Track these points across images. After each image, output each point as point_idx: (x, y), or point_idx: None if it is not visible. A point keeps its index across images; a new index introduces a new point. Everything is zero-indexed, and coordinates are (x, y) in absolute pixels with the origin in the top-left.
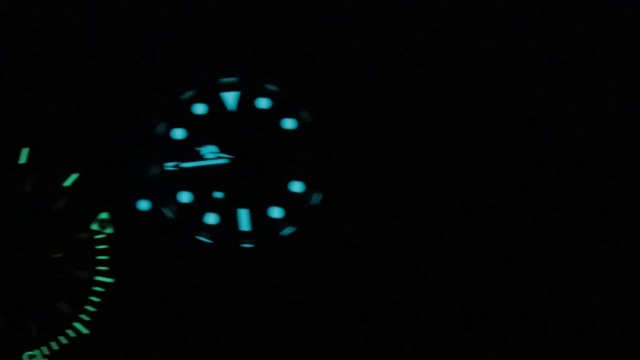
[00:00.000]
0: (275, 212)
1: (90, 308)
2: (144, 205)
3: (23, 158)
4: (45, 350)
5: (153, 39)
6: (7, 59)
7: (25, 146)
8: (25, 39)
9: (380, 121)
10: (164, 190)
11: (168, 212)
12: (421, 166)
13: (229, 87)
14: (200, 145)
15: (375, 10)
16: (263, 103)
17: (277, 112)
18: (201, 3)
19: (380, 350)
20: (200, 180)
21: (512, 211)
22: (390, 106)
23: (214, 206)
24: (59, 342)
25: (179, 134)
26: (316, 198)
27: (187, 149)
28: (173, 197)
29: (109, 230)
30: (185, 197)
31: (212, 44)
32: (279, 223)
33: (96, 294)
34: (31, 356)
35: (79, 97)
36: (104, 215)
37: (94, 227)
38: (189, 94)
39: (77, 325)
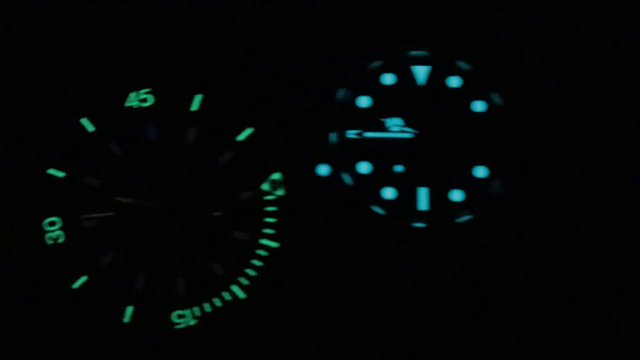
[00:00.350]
0: (456, 196)
1: (250, 272)
2: (323, 170)
3: (195, 105)
4: (196, 311)
5: (345, 4)
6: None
7: (199, 92)
8: None
9: (575, 113)
10: (344, 158)
11: (347, 179)
12: (616, 162)
13: (420, 61)
14: (385, 117)
15: None
16: (454, 82)
17: (467, 92)
18: None
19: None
20: (382, 152)
21: None
22: (587, 98)
23: (393, 180)
24: (212, 305)
25: (364, 102)
26: (498, 186)
27: (372, 119)
28: (352, 166)
29: (280, 192)
30: (364, 167)
31: (405, 14)
32: (457, 207)
33: (259, 257)
34: (180, 315)
35: (262, 52)
36: (276, 176)
37: (265, 187)
38: (377, 63)
39: (235, 288)
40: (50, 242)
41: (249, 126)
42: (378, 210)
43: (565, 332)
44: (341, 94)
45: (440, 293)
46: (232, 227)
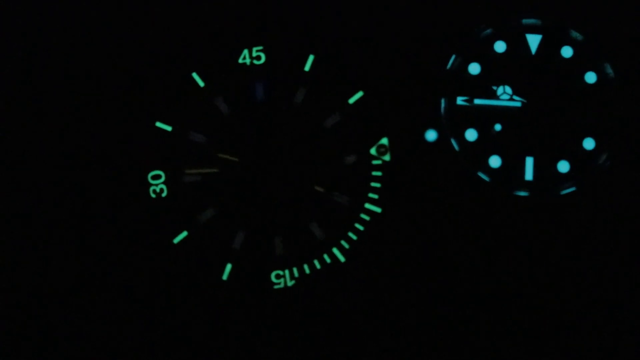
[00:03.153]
0: (562, 167)
1: (352, 236)
2: (431, 135)
3: (307, 65)
4: (295, 272)
5: None
6: None
7: (311, 53)
8: None
9: None
10: (452, 125)
11: (455, 145)
12: None
13: (532, 30)
14: (495, 84)
15: None
16: (566, 52)
17: (578, 63)
18: None
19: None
20: (490, 120)
21: None
22: None
23: (500, 149)
24: (311, 267)
25: (474, 69)
26: (605, 160)
27: (482, 86)
28: (460, 132)
29: (386, 157)
30: (471, 135)
31: None
32: (562, 179)
33: (361, 222)
34: (279, 276)
35: (380, 19)
36: (384, 141)
37: (372, 151)
38: (488, 31)
39: (336, 251)
40: (153, 195)
41: (359, 89)
42: (484, 177)
43: None
44: (452, 61)
45: (538, 262)
46: (334, 190)
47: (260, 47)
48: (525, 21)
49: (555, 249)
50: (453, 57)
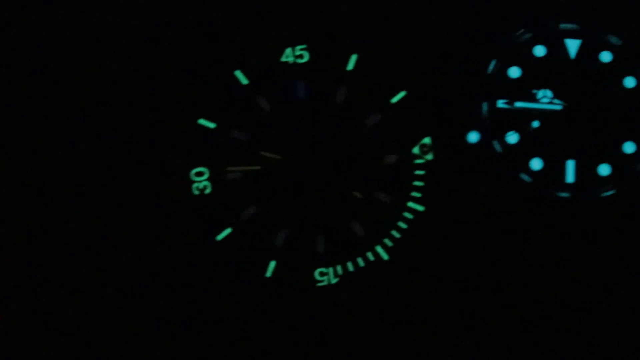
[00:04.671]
0: (603, 170)
1: (395, 234)
2: (473, 137)
3: (351, 64)
4: (339, 269)
5: None
6: None
7: (354, 52)
8: None
9: None
10: (493, 127)
11: (497, 147)
12: None
13: (572, 34)
14: (535, 88)
15: None
16: (605, 56)
17: (618, 67)
18: None
19: None
20: (531, 124)
21: None
22: None
23: (541, 151)
24: (355, 264)
25: (514, 72)
26: None
27: (522, 89)
28: (501, 135)
29: (429, 157)
30: (512, 137)
31: None
32: (603, 182)
33: (404, 220)
34: (323, 273)
35: (423, 21)
36: (426, 140)
37: (415, 150)
38: (528, 35)
39: (379, 249)
40: (196, 192)
41: (402, 89)
42: (525, 178)
43: None
44: (493, 64)
45: (579, 264)
46: (376, 189)
47: (304, 46)
48: (563, 26)
49: (596, 250)
50: (494, 61)
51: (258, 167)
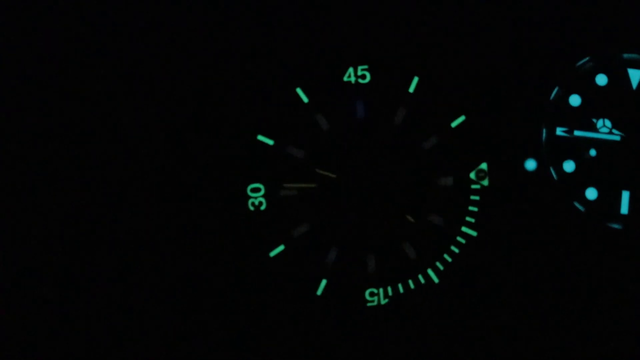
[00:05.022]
0: None
1: (447, 258)
2: (530, 164)
3: (412, 87)
4: (389, 290)
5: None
6: None
7: (416, 74)
8: None
9: None
10: (551, 155)
11: (554, 175)
12: None
13: (635, 64)
14: (595, 117)
15: None
16: None
17: None
18: None
19: None
20: (588, 152)
21: None
22: None
23: (596, 181)
24: (406, 286)
25: (575, 101)
26: None
27: (582, 118)
28: (559, 163)
29: (485, 182)
30: (569, 166)
31: (619, 15)
32: None
33: (457, 244)
34: (373, 294)
35: (485, 46)
36: (483, 166)
37: (471, 175)
38: (589, 64)
39: (430, 272)
40: (252, 208)
41: (462, 114)
42: (579, 207)
43: None
44: (554, 92)
45: (628, 294)
46: (429, 212)
47: (366, 66)
48: (626, 56)
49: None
50: (556, 88)
51: (313, 185)
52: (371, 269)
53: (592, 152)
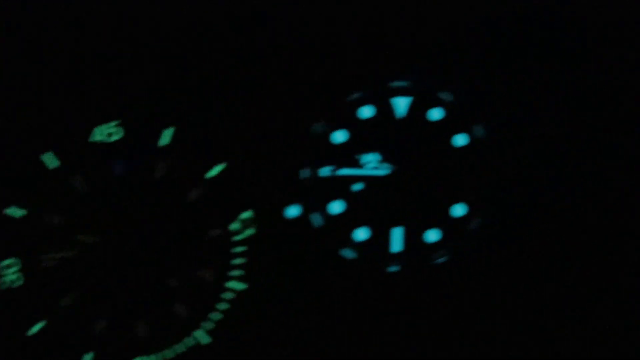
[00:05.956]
0: (432, 236)
1: (215, 315)
2: (293, 211)
3: (166, 139)
4: (160, 357)
5: (321, 37)
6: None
7: (170, 125)
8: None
9: (561, 146)
10: (316, 196)
11: (317, 221)
12: (597, 200)
13: (401, 92)
14: (361, 152)
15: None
16: (435, 114)
17: (448, 125)
18: (375, 3)
19: None
20: (355, 190)
21: None
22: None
23: (366, 220)
24: (175, 350)
25: (340, 136)
26: (477, 224)
27: (347, 155)
28: (325, 205)
29: (250, 232)
30: (336, 206)
31: (385, 43)
32: (433, 248)
33: (224, 300)
34: None
35: (238, 85)
36: (247, 215)
37: (234, 226)
38: (356, 95)
39: (199, 333)
40: (4, 287)
41: (221, 162)
42: (349, 253)
43: None
44: (316, 128)
45: (415, 341)
46: (198, 267)
47: (116, 122)
48: (394, 84)
49: (431, 322)
50: (317, 124)
51: (74, 252)
52: (143, 334)
53: (357, 187)
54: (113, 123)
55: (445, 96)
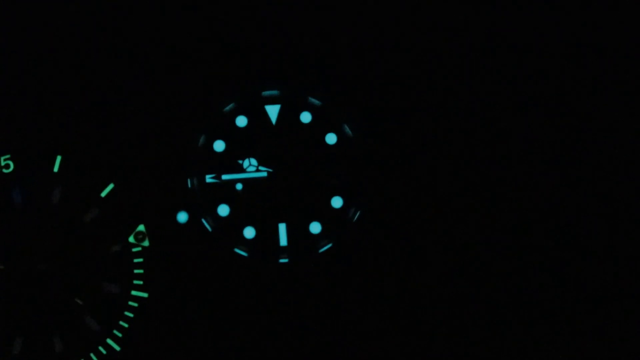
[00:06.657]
0: (315, 228)
1: (122, 324)
2: (182, 217)
3: (56, 166)
4: None
5: (195, 51)
6: (44, 64)
7: (58, 154)
8: (62, 45)
9: (423, 135)
10: (205, 203)
11: (209, 225)
12: (463, 182)
13: (272, 100)
14: (240, 158)
15: (417, 29)
16: (306, 117)
17: (318, 126)
18: (244, 14)
19: None
20: (240, 193)
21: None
22: (432, 121)
23: (254, 220)
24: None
25: (219, 146)
26: (354, 214)
27: (228, 161)
28: (213, 209)
29: (145, 243)
30: (224, 210)
31: (255, 56)
32: (316, 239)
33: (129, 309)
34: None
35: (117, 105)
36: (140, 228)
37: (131, 239)
38: (230, 106)
39: (109, 342)
40: None
41: (110, 181)
42: (241, 251)
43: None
44: (199, 139)
45: (309, 326)
46: (102, 282)
47: (8, 156)
48: (265, 93)
49: (322, 306)
50: (202, 136)
51: None
52: (60, 349)
53: (239, 186)
54: (5, 156)
55: (313, 101)
